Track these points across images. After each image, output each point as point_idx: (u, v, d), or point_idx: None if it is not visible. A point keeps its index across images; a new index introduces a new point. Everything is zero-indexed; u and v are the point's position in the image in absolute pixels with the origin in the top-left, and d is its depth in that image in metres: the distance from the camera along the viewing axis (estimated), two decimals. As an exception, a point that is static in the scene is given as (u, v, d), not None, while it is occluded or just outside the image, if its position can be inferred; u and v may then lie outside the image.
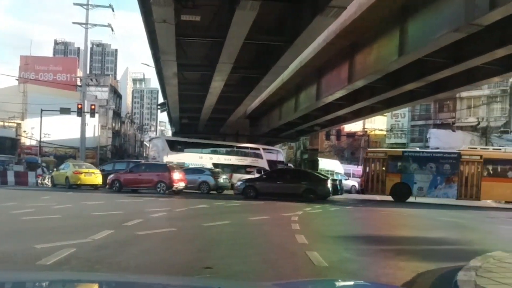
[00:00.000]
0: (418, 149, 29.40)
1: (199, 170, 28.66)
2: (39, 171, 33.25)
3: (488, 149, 27.86)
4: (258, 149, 38.86)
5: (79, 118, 37.50)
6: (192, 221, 12.18)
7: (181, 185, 24.10)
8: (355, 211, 19.41)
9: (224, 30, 18.00)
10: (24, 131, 53.25)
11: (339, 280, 5.14)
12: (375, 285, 4.55)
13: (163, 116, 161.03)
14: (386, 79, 22.84)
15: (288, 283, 3.84)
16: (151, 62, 33.89)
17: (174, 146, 36.48)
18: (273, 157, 38.92)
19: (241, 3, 15.07)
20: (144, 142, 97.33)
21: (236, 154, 37.72)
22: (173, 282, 3.18)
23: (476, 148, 27.08)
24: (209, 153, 36.70)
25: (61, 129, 50.25)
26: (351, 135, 57.67)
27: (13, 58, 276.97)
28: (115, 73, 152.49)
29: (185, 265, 6.51)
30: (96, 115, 42.61)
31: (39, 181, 29.72)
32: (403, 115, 56.26)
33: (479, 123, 46.53)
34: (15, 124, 54.15)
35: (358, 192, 27.15)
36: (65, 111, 41.65)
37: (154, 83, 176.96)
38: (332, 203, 21.65)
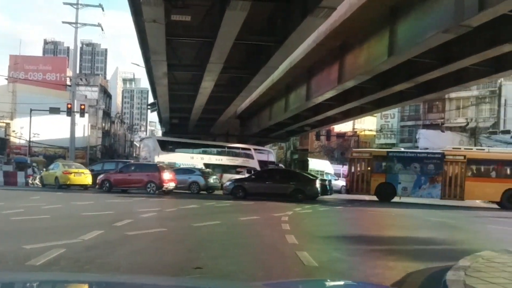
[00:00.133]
0: (402, 149, 29.50)
1: (189, 170, 28.66)
2: (30, 171, 33.01)
3: (472, 149, 28.00)
4: (249, 149, 38.91)
5: (69, 118, 37.25)
6: (183, 221, 12.15)
7: (171, 185, 24.04)
8: (344, 211, 19.44)
9: (215, 30, 17.99)
10: (13, 131, 52.94)
11: (329, 280, 5.15)
12: (365, 285, 4.58)
13: (153, 116, 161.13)
14: (376, 80, 22.93)
15: (278, 283, 3.86)
16: (141, 62, 33.92)
17: (165, 146, 36.41)
18: (264, 157, 38.97)
19: (231, 3, 15.07)
20: (134, 142, 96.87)
21: (227, 154, 37.75)
22: (163, 282, 3.17)
23: (460, 149, 27.19)
24: (200, 153, 36.69)
25: (51, 129, 50.03)
26: (341, 135, 57.82)
27: (2, 58, 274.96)
28: (105, 72, 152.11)
29: (175, 266, 6.48)
30: (86, 115, 42.42)
31: (30, 181, 29.48)
32: (392, 115, 56.59)
33: (468, 124, 46.90)
34: (4, 124, 53.71)
35: (347, 192, 27.21)
36: (54, 110, 41.30)
37: (144, 83, 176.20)
38: (321, 203, 21.68)
